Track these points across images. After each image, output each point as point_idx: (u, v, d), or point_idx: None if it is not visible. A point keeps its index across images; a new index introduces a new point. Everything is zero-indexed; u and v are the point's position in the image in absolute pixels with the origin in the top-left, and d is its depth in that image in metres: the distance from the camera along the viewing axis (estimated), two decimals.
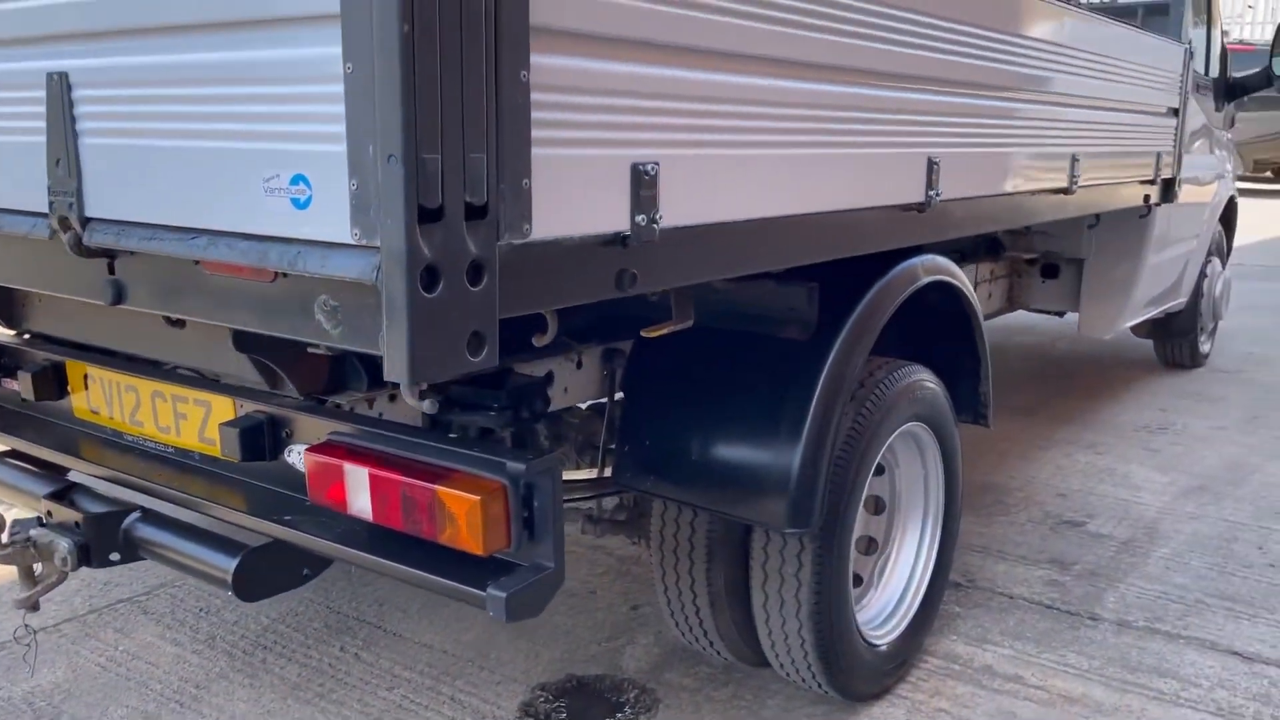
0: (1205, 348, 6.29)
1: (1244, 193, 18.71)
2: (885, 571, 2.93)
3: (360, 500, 1.86)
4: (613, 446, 2.54)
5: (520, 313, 1.48)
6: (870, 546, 2.95)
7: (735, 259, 1.89)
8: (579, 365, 2.58)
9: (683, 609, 2.65)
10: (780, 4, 1.75)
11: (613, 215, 1.54)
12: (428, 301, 1.26)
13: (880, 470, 2.91)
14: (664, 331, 2.10)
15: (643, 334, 2.12)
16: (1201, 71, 5.33)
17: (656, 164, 1.59)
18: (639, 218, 1.57)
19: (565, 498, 2.53)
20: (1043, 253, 5.08)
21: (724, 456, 2.34)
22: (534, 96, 1.36)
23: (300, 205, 1.34)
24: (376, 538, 1.90)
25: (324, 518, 1.98)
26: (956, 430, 2.93)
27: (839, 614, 2.49)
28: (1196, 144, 5.18)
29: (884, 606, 2.86)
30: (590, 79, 1.46)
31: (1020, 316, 5.61)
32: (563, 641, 3.04)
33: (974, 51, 2.47)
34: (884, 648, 2.74)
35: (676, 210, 1.65)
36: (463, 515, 1.72)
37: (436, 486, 1.75)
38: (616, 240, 1.57)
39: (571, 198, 1.46)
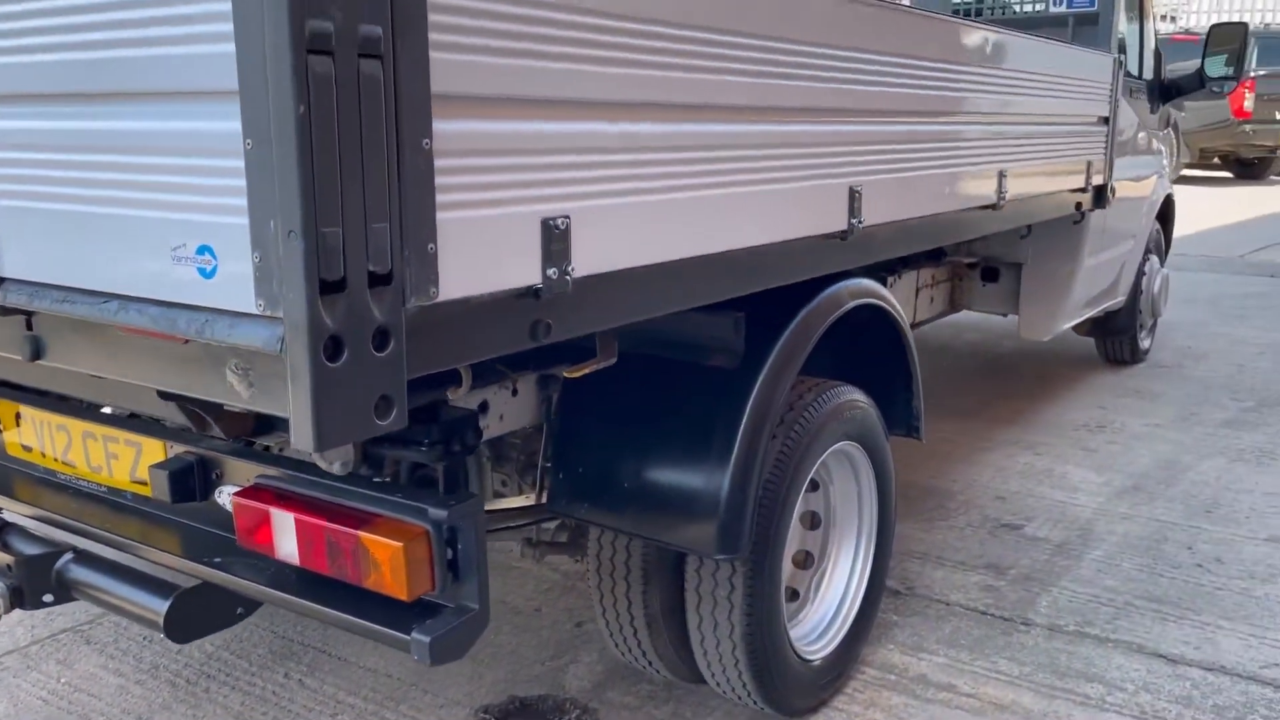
0: (1145, 344, 6.43)
1: (1190, 180, 19.08)
2: (821, 586, 2.99)
3: (287, 545, 1.88)
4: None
5: (432, 370, 1.51)
6: (807, 560, 3.01)
7: (653, 301, 1.93)
8: (514, 393, 2.60)
9: (621, 630, 2.69)
10: (680, 50, 1.78)
11: (524, 270, 1.58)
12: (332, 371, 1.28)
13: (815, 486, 2.97)
14: (586, 371, 2.14)
15: (565, 374, 2.16)
16: (1135, 72, 5.44)
17: (567, 217, 1.62)
18: (550, 271, 1.60)
19: (503, 525, 2.57)
20: (982, 257, 5.18)
21: (654, 484, 2.39)
22: (438, 163, 1.39)
23: (206, 275, 1.36)
24: (305, 580, 1.93)
25: (254, 559, 2.00)
26: (888, 448, 2.99)
27: (772, 633, 2.55)
28: (1131, 146, 5.29)
29: (820, 620, 2.93)
30: (494, 140, 1.49)
31: (967, 314, 5.71)
32: (506, 662, 3.08)
33: (891, 79, 2.53)
34: (819, 662, 2.80)
35: (590, 259, 1.69)
36: (386, 562, 1.75)
37: (360, 532, 1.78)
38: (529, 293, 1.60)
39: (480, 257, 1.49)
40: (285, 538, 1.88)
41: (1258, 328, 7.41)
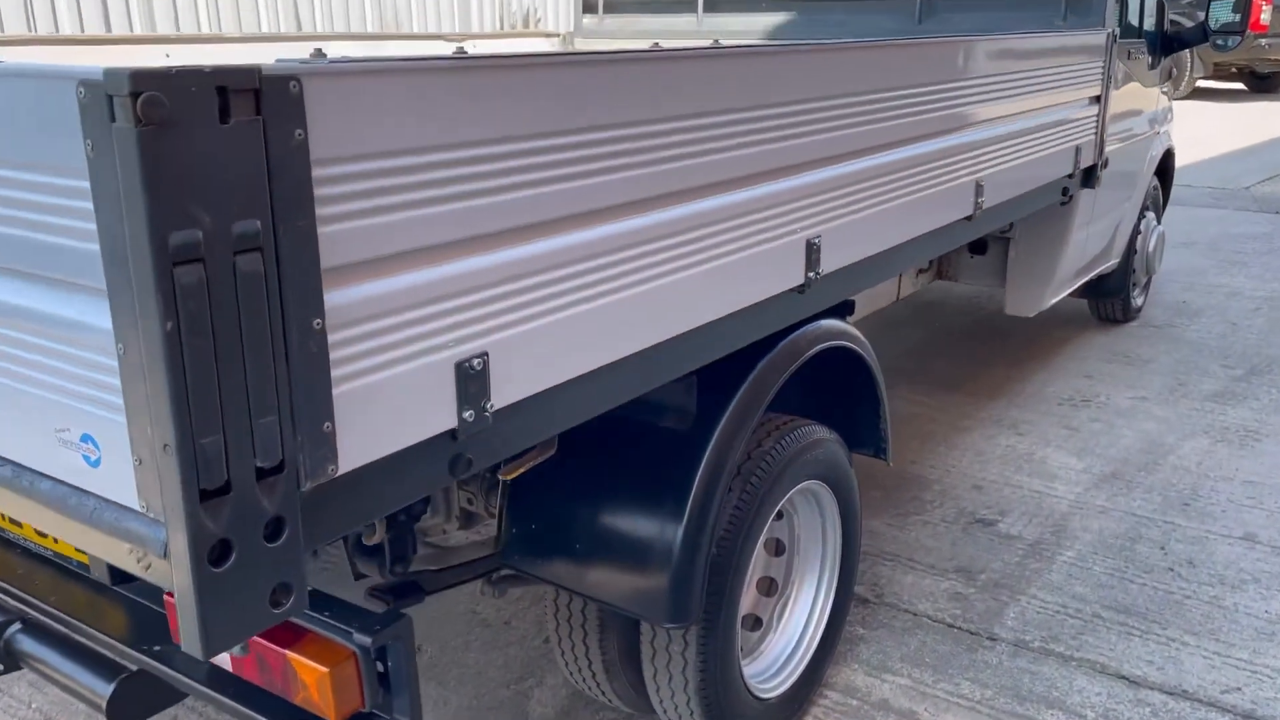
0: (1138, 302, 6.34)
1: (1204, 94, 18.59)
2: (785, 613, 2.98)
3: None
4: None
5: (343, 534, 1.47)
6: (771, 588, 3.01)
7: (594, 402, 1.87)
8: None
9: (579, 670, 2.70)
10: (585, 155, 1.67)
11: (438, 417, 1.52)
12: (218, 576, 1.24)
13: (780, 515, 2.94)
14: (524, 470, 2.09)
15: (501, 476, 2.11)
16: (1135, 24, 5.21)
17: (484, 354, 1.56)
18: (466, 413, 1.54)
19: (459, 580, 2.55)
20: None
21: (604, 548, 2.36)
22: (332, 338, 1.32)
23: (91, 463, 1.31)
24: (241, 682, 1.92)
25: None
26: (854, 482, 2.95)
27: (726, 682, 2.55)
28: (1128, 110, 5.12)
29: (782, 650, 2.93)
30: (396, 298, 1.42)
31: None
32: (471, 685, 3.10)
33: (837, 120, 2.39)
34: (776, 699, 2.81)
35: (514, 389, 1.63)
36: (313, 685, 1.74)
37: (288, 652, 1.76)
38: (446, 435, 1.55)
39: (387, 419, 1.43)
40: None
41: (1255, 277, 7.30)
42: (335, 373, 1.34)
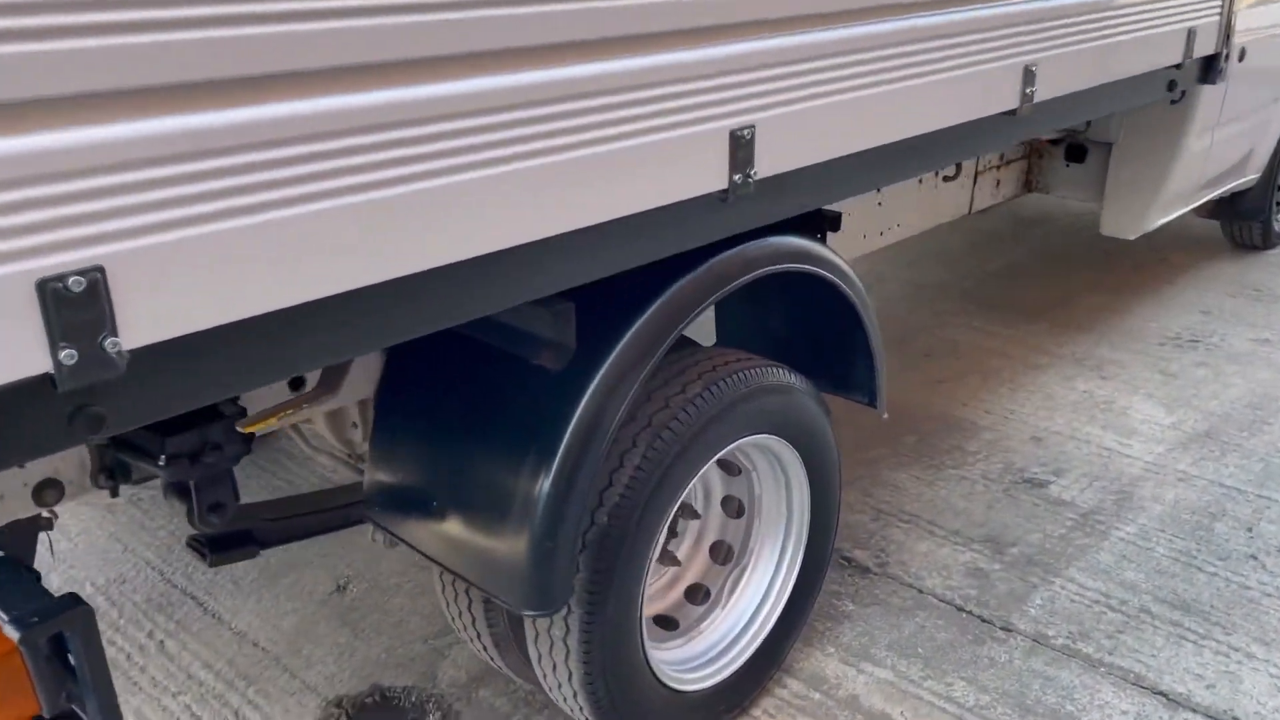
0: None
1: None
2: (738, 586, 2.50)
3: None
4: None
5: None
6: (728, 555, 2.52)
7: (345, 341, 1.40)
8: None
9: (472, 643, 2.30)
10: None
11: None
12: None
13: (736, 470, 2.45)
14: (262, 425, 1.64)
15: (240, 427, 1.66)
16: None
17: (100, 269, 1.10)
18: (65, 353, 1.10)
19: (308, 532, 2.16)
20: (1066, 131, 4.30)
21: (461, 516, 1.93)
22: None
23: None
24: None
25: None
26: (829, 436, 2.41)
27: (621, 676, 2.10)
28: None
29: (728, 631, 2.45)
30: None
31: None
32: (388, 634, 2.74)
33: None
34: (707, 690, 2.34)
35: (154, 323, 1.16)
36: None
37: None
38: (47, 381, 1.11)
39: None
40: None
41: None
42: None
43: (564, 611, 1.99)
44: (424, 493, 1.98)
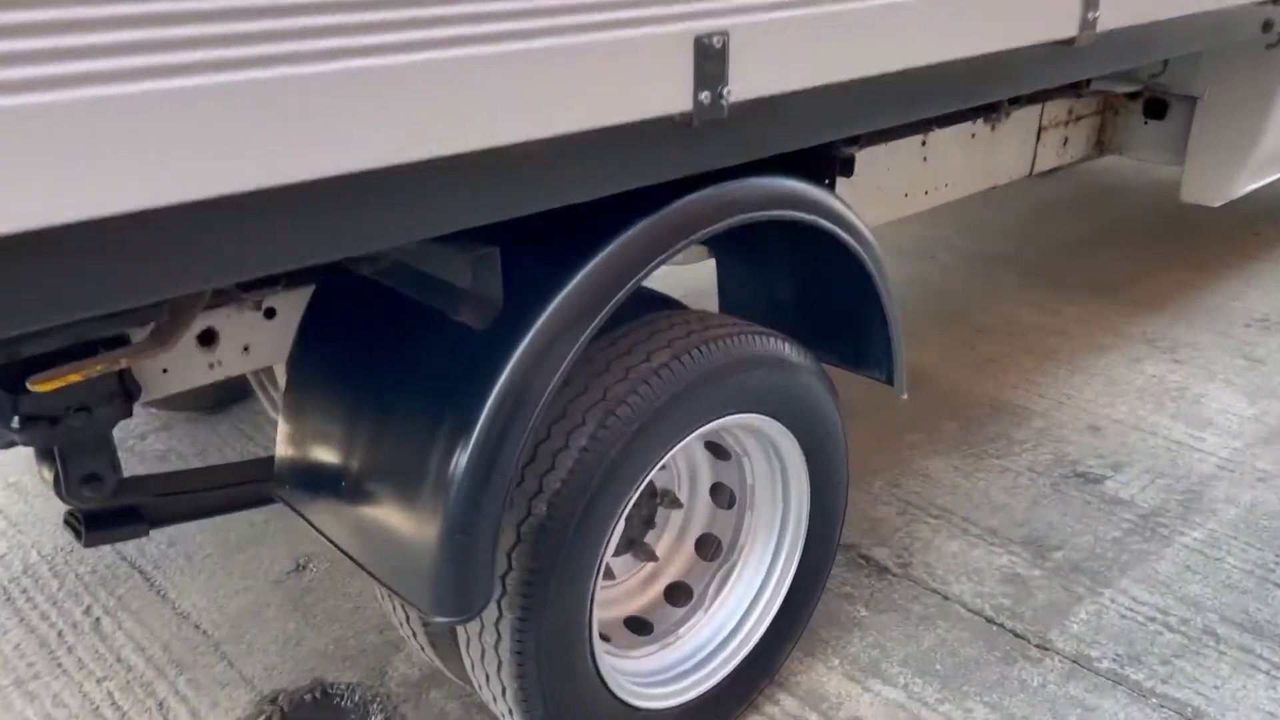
0: None
1: None
2: (726, 586, 2.17)
3: None
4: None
5: None
6: (716, 550, 2.20)
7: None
8: (270, 315, 1.85)
9: (411, 640, 2.01)
10: None
11: None
12: None
13: (725, 455, 2.12)
14: (59, 383, 1.35)
15: (30, 385, 1.36)
16: None
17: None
18: None
19: (204, 511, 1.88)
20: (1147, 83, 3.83)
21: (369, 501, 1.63)
22: None
23: None
24: None
25: None
26: (835, 416, 2.06)
27: (565, 695, 1.79)
28: None
29: (709, 639, 2.13)
30: None
31: None
32: (341, 622, 2.47)
33: None
34: (677, 709, 2.02)
35: None
36: None
37: None
38: None
39: None
40: None
41: None
42: None
43: (494, 616, 1.69)
44: (333, 472, 1.69)
